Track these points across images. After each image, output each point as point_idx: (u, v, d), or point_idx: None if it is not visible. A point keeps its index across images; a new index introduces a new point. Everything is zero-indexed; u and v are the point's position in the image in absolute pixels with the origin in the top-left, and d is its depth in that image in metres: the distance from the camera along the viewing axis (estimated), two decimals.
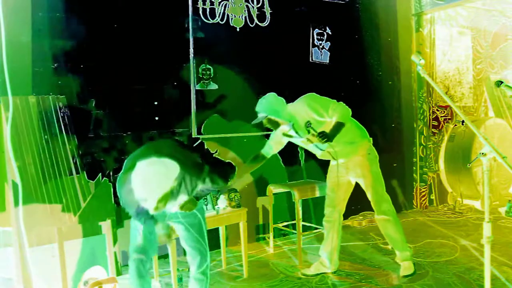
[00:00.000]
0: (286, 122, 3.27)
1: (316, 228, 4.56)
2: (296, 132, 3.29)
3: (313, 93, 3.32)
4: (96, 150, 3.70)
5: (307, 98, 3.28)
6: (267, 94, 3.30)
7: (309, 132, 3.23)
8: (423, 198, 5.73)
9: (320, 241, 3.74)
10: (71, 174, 3.37)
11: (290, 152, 4.66)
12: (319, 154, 3.44)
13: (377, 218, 3.43)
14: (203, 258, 2.69)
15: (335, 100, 3.24)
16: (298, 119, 3.24)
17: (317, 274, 3.52)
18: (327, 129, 3.14)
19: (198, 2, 4.16)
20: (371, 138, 3.42)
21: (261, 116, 3.25)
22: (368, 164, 3.34)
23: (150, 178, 2.13)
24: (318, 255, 3.64)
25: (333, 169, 3.47)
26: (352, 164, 3.36)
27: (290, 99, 4.63)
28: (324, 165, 4.79)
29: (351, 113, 3.22)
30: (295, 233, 4.09)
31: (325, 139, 3.07)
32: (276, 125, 3.29)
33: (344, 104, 3.21)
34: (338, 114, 3.15)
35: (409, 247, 3.50)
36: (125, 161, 2.45)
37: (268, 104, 3.25)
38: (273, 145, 3.45)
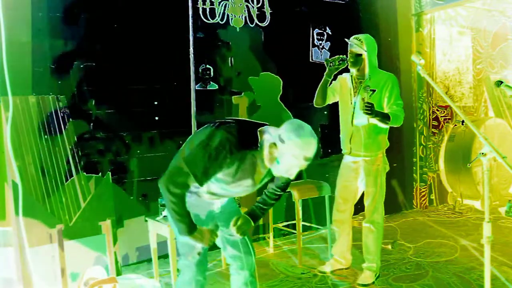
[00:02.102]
0: (366, 72, 3.23)
1: (317, 228, 4.57)
2: (360, 82, 3.25)
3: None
4: (96, 150, 3.70)
5: (395, 78, 3.28)
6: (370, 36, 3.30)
7: (363, 91, 3.20)
8: (423, 198, 5.73)
9: (320, 241, 3.75)
10: (71, 174, 3.37)
11: None
12: (356, 121, 3.33)
13: (364, 226, 3.41)
14: (250, 256, 2.43)
15: (402, 104, 3.26)
16: (372, 82, 3.22)
17: (333, 271, 3.56)
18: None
19: (198, 2, 4.16)
20: (383, 150, 3.38)
21: (362, 50, 3.19)
22: (378, 174, 3.32)
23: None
24: (328, 255, 3.70)
25: (344, 171, 3.46)
26: (360, 169, 3.35)
27: (291, 99, 4.67)
28: (324, 165, 4.82)
29: (397, 125, 3.21)
30: (295, 233, 4.09)
31: (368, 110, 3.05)
32: (358, 65, 3.24)
33: (403, 115, 3.22)
34: (393, 111, 3.17)
35: (378, 261, 3.41)
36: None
37: (374, 48, 3.24)
38: (329, 93, 3.46)
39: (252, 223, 2.31)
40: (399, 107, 3.21)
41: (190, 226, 2.10)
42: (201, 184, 2.05)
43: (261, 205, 2.39)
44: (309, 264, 3.79)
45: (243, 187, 2.21)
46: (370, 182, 3.33)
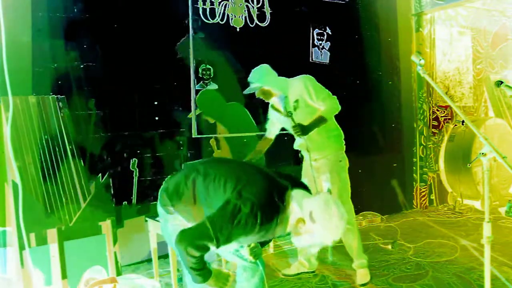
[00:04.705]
0: (279, 93, 3.22)
1: None
2: (285, 108, 3.23)
3: (312, 77, 3.28)
4: (96, 150, 3.70)
5: (306, 78, 3.25)
6: (260, 65, 3.26)
7: (290, 115, 3.17)
8: (423, 198, 5.73)
9: None
10: (71, 174, 3.37)
11: (290, 151, 4.67)
12: (297, 145, 3.38)
13: None
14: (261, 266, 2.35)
15: (330, 93, 3.23)
16: (290, 95, 3.21)
17: (297, 274, 3.54)
18: (308, 121, 3.13)
19: (198, 2, 4.16)
20: (344, 146, 3.38)
21: (255, 85, 3.20)
22: (338, 170, 3.31)
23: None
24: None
25: (307, 169, 3.41)
26: (323, 167, 3.32)
27: None
28: None
29: (339, 110, 3.21)
30: None
31: (299, 133, 3.07)
32: (269, 96, 3.25)
33: (336, 100, 3.21)
34: (326, 106, 3.15)
35: (365, 256, 3.43)
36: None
37: (263, 74, 3.21)
38: (270, 127, 3.44)
39: (261, 248, 2.29)
40: (324, 100, 3.17)
41: (206, 276, 2.02)
42: (218, 247, 1.93)
43: None
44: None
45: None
46: (334, 178, 3.30)
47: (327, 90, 3.24)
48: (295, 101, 3.19)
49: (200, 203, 2.10)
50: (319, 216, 1.87)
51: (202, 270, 1.99)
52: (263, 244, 2.34)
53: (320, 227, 1.88)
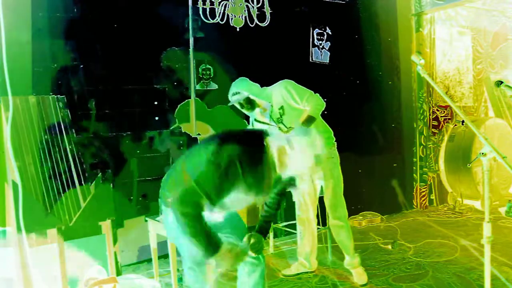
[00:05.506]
0: (264, 103, 3.23)
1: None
2: (270, 116, 3.24)
3: (292, 80, 3.29)
4: (96, 150, 3.70)
5: (285, 82, 3.26)
6: (239, 78, 3.28)
7: (279, 122, 3.19)
8: (423, 198, 5.73)
9: (319, 242, 3.75)
10: (71, 174, 3.36)
11: None
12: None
13: (332, 224, 3.39)
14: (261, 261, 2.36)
15: (312, 91, 3.24)
16: (274, 103, 3.23)
17: (297, 274, 3.54)
18: (297, 124, 3.14)
19: (198, 2, 4.16)
20: (335, 142, 3.38)
21: (242, 94, 3.19)
22: (331, 167, 3.32)
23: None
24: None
25: None
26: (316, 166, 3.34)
27: None
28: None
29: (324, 107, 3.21)
30: (295, 233, 4.08)
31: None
32: (253, 106, 3.24)
33: (319, 97, 3.21)
34: (311, 105, 3.16)
35: (357, 254, 3.45)
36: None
37: (247, 84, 3.23)
38: None
39: (263, 239, 2.30)
40: (308, 100, 3.18)
41: (209, 248, 1.99)
42: (214, 204, 1.99)
43: (266, 218, 2.39)
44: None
45: (255, 198, 2.18)
46: (328, 175, 3.32)
47: (308, 89, 3.25)
48: (280, 107, 3.20)
49: (190, 177, 2.10)
50: (296, 141, 1.99)
51: (200, 237, 1.96)
52: (264, 233, 2.33)
53: (299, 151, 1.99)
